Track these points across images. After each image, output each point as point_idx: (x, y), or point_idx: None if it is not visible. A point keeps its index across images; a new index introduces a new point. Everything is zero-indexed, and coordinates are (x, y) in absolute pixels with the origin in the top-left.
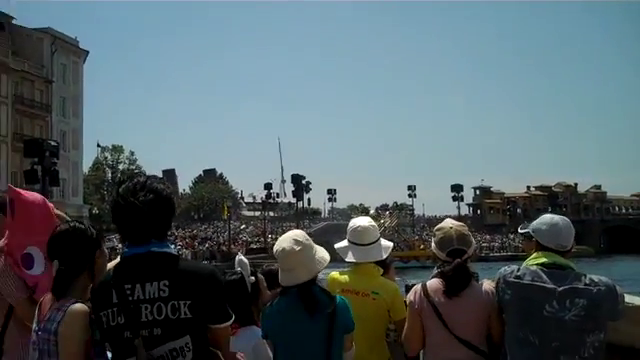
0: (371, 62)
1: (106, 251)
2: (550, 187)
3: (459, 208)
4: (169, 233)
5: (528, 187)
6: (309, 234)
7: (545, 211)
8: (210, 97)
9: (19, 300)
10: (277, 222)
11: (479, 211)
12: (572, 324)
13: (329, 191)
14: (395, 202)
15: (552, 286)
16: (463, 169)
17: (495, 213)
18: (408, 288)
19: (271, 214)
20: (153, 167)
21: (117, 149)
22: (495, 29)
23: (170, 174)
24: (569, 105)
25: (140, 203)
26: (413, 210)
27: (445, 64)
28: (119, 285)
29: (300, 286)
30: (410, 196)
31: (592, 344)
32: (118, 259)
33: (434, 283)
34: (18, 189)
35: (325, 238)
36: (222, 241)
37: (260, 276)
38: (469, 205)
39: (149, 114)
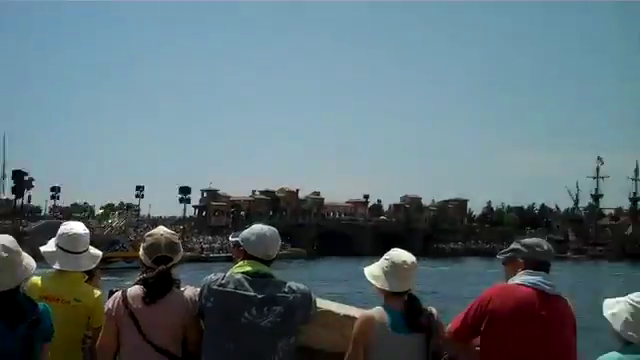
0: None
1: None
2: (274, 192)
3: (185, 210)
4: None
5: (253, 191)
6: (24, 233)
7: (267, 215)
8: None
9: None
10: None
11: (204, 213)
12: (266, 330)
13: (53, 188)
14: (121, 202)
15: (253, 294)
16: (193, 171)
17: (220, 215)
18: (111, 293)
19: None
20: None
21: None
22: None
23: None
24: (291, 110)
25: None
26: (139, 210)
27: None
28: None
29: (2, 294)
30: (137, 196)
31: (282, 348)
32: None
33: (135, 289)
34: None
35: (43, 238)
36: None
37: None
38: (195, 207)
39: None
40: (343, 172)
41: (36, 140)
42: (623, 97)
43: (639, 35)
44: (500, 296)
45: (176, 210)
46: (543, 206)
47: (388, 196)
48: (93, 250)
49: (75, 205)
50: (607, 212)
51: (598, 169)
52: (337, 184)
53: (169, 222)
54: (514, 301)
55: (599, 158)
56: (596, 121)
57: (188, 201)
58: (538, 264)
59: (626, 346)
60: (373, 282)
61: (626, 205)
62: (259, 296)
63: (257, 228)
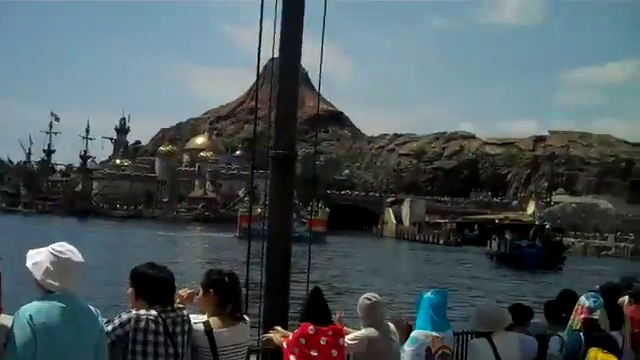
0: None
1: None
2: None
3: None
4: None
5: None
6: None
7: None
8: None
9: None
10: None
11: None
12: None
13: None
14: None
15: None
16: None
17: None
18: None
19: None
20: None
21: None
22: None
23: None
24: None
25: None
26: None
27: None
28: None
29: None
30: None
31: None
32: None
33: None
34: None
35: None
36: None
37: None
38: None
39: None
40: None
41: None
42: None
43: None
44: None
45: None
46: None
47: None
48: None
49: None
50: (59, 168)
51: (51, 125)
52: None
53: None
54: None
55: (53, 114)
56: (50, 77)
57: None
58: None
59: (47, 294)
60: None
61: (77, 162)
62: None
63: None
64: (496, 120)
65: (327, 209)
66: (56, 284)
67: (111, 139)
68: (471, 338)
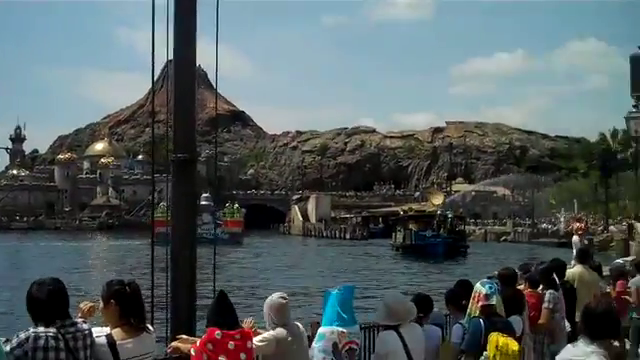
0: None
1: None
2: None
3: None
4: None
5: None
6: None
7: None
8: None
9: None
10: None
11: None
12: None
13: None
14: None
15: None
16: None
17: None
18: None
19: None
20: None
21: None
22: None
23: None
24: None
25: None
26: None
27: None
28: None
29: None
30: None
31: None
32: None
33: None
34: None
35: None
36: None
37: None
38: None
39: None
40: None
41: None
42: None
43: None
44: None
45: None
46: None
47: None
48: None
49: None
50: None
51: None
52: None
53: None
54: None
55: None
56: None
57: None
58: None
59: None
60: None
61: None
62: None
63: None
64: (395, 114)
65: (243, 210)
66: None
67: (6, 149)
68: (379, 331)
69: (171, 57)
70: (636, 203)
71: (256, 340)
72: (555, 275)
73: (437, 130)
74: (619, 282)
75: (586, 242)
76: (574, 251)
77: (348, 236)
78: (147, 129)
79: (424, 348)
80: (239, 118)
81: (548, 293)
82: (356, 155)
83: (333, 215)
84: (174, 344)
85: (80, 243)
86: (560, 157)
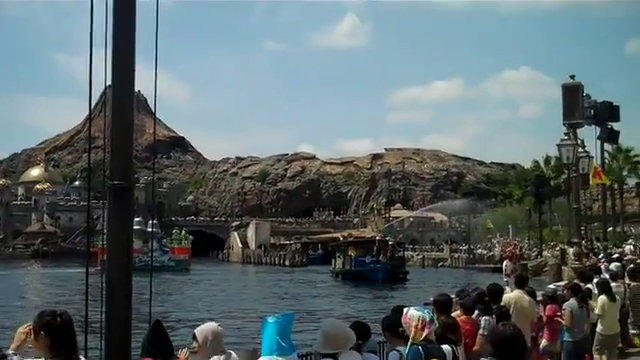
0: None
1: None
2: None
3: None
4: None
5: None
6: None
7: None
8: None
9: None
10: None
11: None
12: None
13: None
14: None
15: None
16: None
17: None
18: None
19: None
20: None
21: None
22: None
23: None
24: None
25: None
26: None
27: None
28: None
29: None
30: None
31: None
32: None
33: None
34: None
35: None
36: None
37: None
38: None
39: None
40: None
41: None
42: None
43: None
44: None
45: None
46: None
47: None
48: None
49: None
50: None
51: None
52: None
53: None
54: None
55: None
56: None
57: None
58: None
59: None
60: None
61: None
62: None
63: None
64: (334, 141)
65: (191, 237)
66: None
67: None
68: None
69: (109, 82)
70: (568, 228)
71: None
72: (489, 300)
73: (376, 157)
74: (549, 306)
75: (514, 267)
76: (503, 275)
77: (287, 263)
78: (84, 155)
79: None
80: (179, 144)
81: (483, 320)
82: (296, 181)
83: (273, 241)
84: None
85: (12, 271)
86: (495, 183)
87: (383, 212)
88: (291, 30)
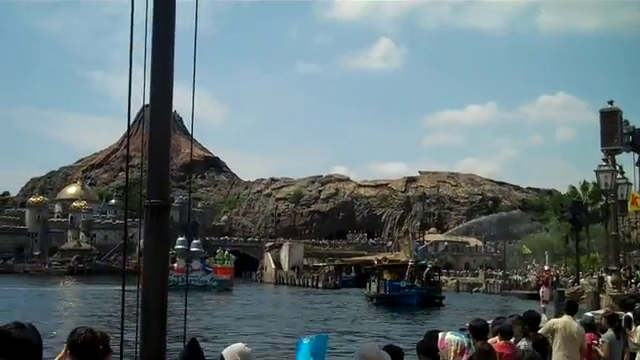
0: None
1: None
2: None
3: None
4: None
5: None
6: None
7: None
8: None
9: None
10: None
11: None
12: None
13: None
14: None
15: None
16: None
17: None
18: None
19: None
20: None
21: None
22: None
23: None
24: None
25: None
26: None
27: None
28: None
29: None
30: None
31: None
32: None
33: None
34: None
35: None
36: None
37: None
38: None
39: None
40: None
41: None
42: None
43: None
44: None
45: None
46: None
47: None
48: None
49: None
50: None
51: None
52: None
53: None
54: None
55: None
56: None
57: None
58: None
59: None
60: None
61: None
62: None
63: None
64: (368, 163)
65: (234, 257)
66: None
67: None
68: None
69: (147, 101)
70: (606, 256)
71: None
72: (527, 327)
73: (410, 180)
74: (588, 335)
75: (551, 293)
76: (541, 302)
77: (320, 285)
78: (120, 173)
79: None
80: (213, 164)
81: (523, 345)
82: (330, 203)
83: (306, 263)
84: None
85: (49, 288)
86: (532, 209)
87: (417, 235)
88: (326, 52)
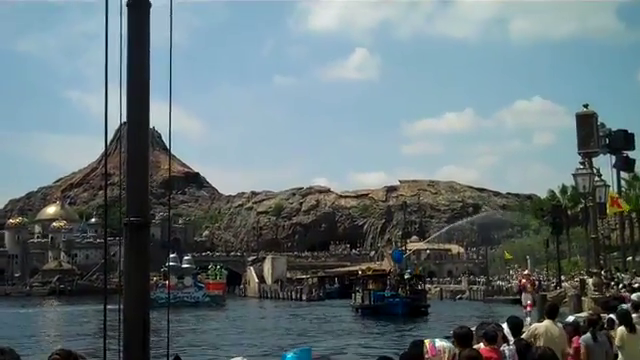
0: None
1: None
2: None
3: None
4: None
5: None
6: None
7: None
8: None
9: None
10: None
11: None
12: None
13: None
14: None
15: None
16: None
17: None
18: None
19: None
20: None
21: None
22: None
23: None
24: None
25: None
26: None
27: None
28: None
29: None
30: None
31: None
32: None
33: None
34: None
35: None
36: None
37: None
38: None
39: None
40: None
41: None
42: None
43: None
44: None
45: None
46: None
47: None
48: None
49: None
50: None
51: None
52: None
53: None
54: None
55: None
56: None
57: None
58: None
59: None
60: None
61: None
62: None
63: None
64: (348, 173)
65: (225, 272)
66: None
67: None
68: None
69: (124, 119)
70: (587, 259)
71: None
72: (510, 332)
73: (391, 189)
74: (575, 338)
75: (532, 298)
76: (523, 307)
77: (304, 297)
78: (100, 192)
79: None
80: (194, 180)
81: (507, 349)
82: (311, 215)
83: (289, 276)
84: None
85: (30, 309)
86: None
87: (399, 244)
88: (302, 64)
